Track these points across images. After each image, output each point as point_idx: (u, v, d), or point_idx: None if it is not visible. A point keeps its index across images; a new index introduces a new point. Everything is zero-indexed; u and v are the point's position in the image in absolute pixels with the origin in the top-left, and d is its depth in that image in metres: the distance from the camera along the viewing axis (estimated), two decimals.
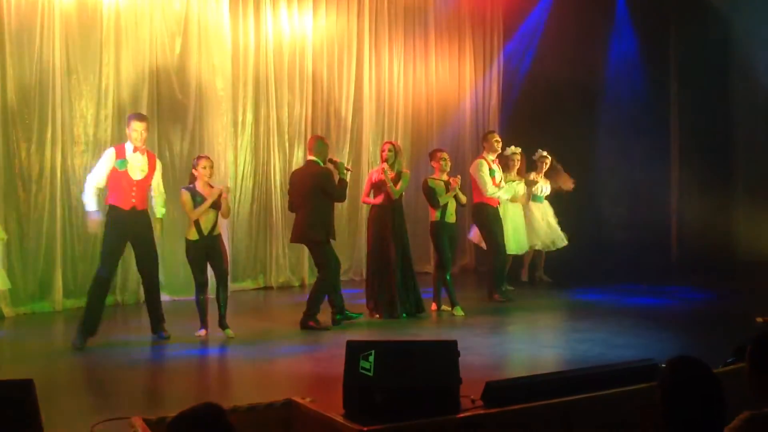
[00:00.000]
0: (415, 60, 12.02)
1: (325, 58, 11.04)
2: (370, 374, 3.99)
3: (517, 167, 9.97)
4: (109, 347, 6.98)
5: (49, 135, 8.61)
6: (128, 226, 7.02)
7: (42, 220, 8.57)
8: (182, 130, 9.65)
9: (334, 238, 7.95)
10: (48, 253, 8.60)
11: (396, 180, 8.17)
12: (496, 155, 9.19)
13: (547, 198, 10.55)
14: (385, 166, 8.23)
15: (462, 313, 8.30)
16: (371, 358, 4.01)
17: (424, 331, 7.46)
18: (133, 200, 7.03)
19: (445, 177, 8.48)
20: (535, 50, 12.23)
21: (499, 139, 9.27)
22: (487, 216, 9.08)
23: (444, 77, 12.33)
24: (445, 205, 8.39)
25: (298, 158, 10.67)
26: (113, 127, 9.06)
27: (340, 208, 10.31)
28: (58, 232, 8.63)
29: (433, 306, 8.60)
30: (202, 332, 7.30)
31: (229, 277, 7.75)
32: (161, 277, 9.24)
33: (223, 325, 7.31)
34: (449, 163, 8.57)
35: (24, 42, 8.51)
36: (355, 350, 4.09)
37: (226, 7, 10.01)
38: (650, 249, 11.43)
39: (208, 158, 7.53)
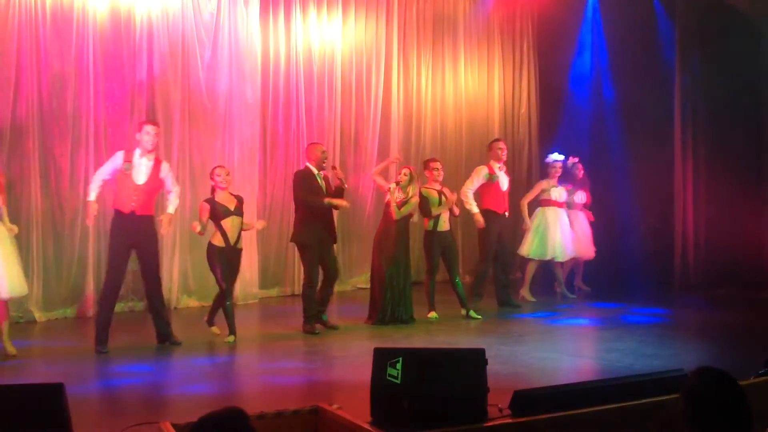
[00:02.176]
0: (444, 69, 12.01)
1: (354, 66, 11.09)
2: (398, 381, 3.98)
3: (558, 174, 9.94)
4: (140, 352, 7.05)
5: (82, 141, 8.75)
6: (129, 231, 6.99)
7: (75, 225, 8.69)
8: (212, 137, 9.72)
9: (319, 242, 7.90)
10: (80, 259, 8.72)
11: (402, 204, 8.24)
12: (502, 162, 9.23)
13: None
14: (393, 186, 8.35)
15: (437, 317, 8.50)
16: (399, 366, 4.01)
17: (452, 339, 7.44)
18: (133, 204, 7.00)
19: (437, 186, 8.61)
20: (571, 60, 12.12)
21: (503, 147, 9.29)
22: (488, 224, 9.01)
23: (473, 86, 12.31)
24: (438, 215, 8.52)
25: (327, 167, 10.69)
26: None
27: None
28: (90, 237, 8.75)
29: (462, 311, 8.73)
30: (231, 338, 7.37)
31: (236, 289, 7.95)
32: (191, 283, 9.38)
33: (211, 323, 7.62)
34: (442, 173, 8.70)
35: (58, 51, 8.66)
36: (382, 357, 4.09)
37: (257, 15, 10.09)
38: (678, 258, 11.24)
39: (224, 167, 7.69)
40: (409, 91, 11.69)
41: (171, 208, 7.37)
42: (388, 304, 8.19)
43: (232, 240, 7.33)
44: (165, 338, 7.26)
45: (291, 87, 10.56)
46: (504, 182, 9.22)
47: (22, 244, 8.29)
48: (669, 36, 11.25)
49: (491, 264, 9.17)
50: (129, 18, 9.14)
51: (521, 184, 11.71)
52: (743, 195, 10.70)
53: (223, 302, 7.43)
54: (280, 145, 10.48)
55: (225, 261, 7.34)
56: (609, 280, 10.83)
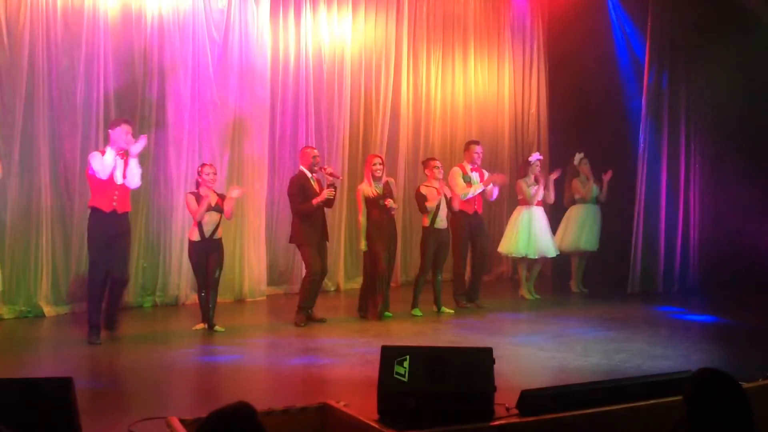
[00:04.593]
0: (454, 68, 11.99)
1: (363, 65, 11.08)
2: (405, 379, 3.99)
3: (536, 173, 10.00)
4: (147, 347, 7.08)
5: (92, 137, 8.77)
6: (108, 227, 7.16)
7: (84, 221, 8.69)
8: (222, 136, 9.73)
9: (316, 242, 8.23)
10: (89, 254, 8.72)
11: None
12: (475, 165, 9.37)
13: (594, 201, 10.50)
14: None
15: (420, 314, 8.64)
16: (406, 364, 4.01)
17: (459, 338, 7.43)
18: (114, 203, 7.18)
19: (437, 184, 8.76)
20: (579, 58, 12.02)
21: (480, 152, 9.43)
22: (459, 223, 9.11)
23: (483, 85, 12.27)
24: (436, 213, 8.66)
25: (335, 165, 10.69)
26: (156, 131, 9.23)
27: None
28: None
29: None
30: (200, 326, 7.74)
31: (219, 281, 7.99)
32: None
33: (210, 324, 7.75)
34: (442, 171, 8.86)
35: (69, 47, 8.68)
36: (390, 355, 4.09)
37: (267, 14, 10.10)
38: (686, 259, 11.17)
39: (212, 165, 8.03)
40: (418, 91, 11.67)
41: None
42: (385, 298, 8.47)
43: (207, 233, 7.69)
44: (110, 326, 7.37)
45: (300, 85, 10.56)
46: (476, 183, 9.28)
47: (31, 239, 8.36)
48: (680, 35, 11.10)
49: (465, 260, 9.33)
50: (140, 15, 9.16)
51: None
52: (749, 195, 10.62)
53: (200, 293, 7.83)
54: (289, 143, 10.47)
55: (202, 254, 7.71)
56: (616, 279, 10.76)
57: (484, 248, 9.43)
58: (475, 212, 9.25)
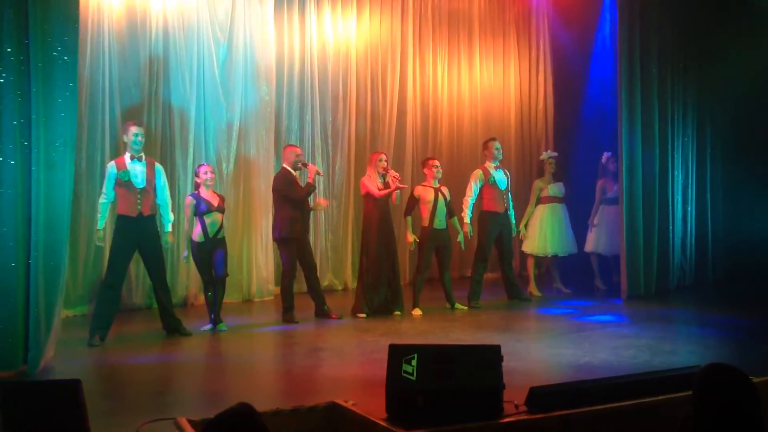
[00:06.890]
0: (460, 64, 11.97)
1: (369, 62, 11.08)
2: (413, 378, 3.99)
3: (552, 171, 10.00)
4: (155, 348, 7.09)
5: (98, 138, 8.79)
6: (136, 232, 7.33)
7: (91, 223, 8.72)
8: (228, 136, 9.74)
9: (298, 237, 8.28)
10: (96, 256, 8.76)
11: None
12: (497, 162, 9.26)
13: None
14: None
15: (420, 312, 8.58)
16: (414, 362, 4.01)
17: (467, 335, 7.43)
18: (139, 207, 7.33)
19: (436, 184, 8.77)
20: (585, 53, 11.99)
21: (500, 147, 9.33)
22: (484, 224, 9.14)
23: (489, 82, 12.26)
24: (434, 212, 8.66)
25: (341, 163, 10.74)
26: (163, 132, 9.23)
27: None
28: (107, 235, 8.76)
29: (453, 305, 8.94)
30: (208, 327, 7.76)
31: (225, 280, 8.00)
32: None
33: (216, 320, 7.77)
34: (441, 171, 8.86)
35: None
36: (397, 354, 4.09)
37: (271, 13, 10.10)
38: (695, 254, 11.14)
39: (209, 165, 8.09)
40: (425, 88, 11.66)
41: (169, 227, 7.66)
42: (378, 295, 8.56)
43: (211, 234, 7.73)
44: (174, 330, 7.51)
45: (306, 84, 10.55)
46: (502, 181, 9.23)
47: None
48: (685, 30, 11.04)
49: (486, 263, 9.30)
50: (144, 16, 9.17)
51: None
52: (760, 189, 10.59)
53: (205, 293, 7.89)
54: (295, 142, 10.44)
55: (205, 255, 7.75)
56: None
57: (511, 246, 9.44)
58: (506, 211, 9.24)
